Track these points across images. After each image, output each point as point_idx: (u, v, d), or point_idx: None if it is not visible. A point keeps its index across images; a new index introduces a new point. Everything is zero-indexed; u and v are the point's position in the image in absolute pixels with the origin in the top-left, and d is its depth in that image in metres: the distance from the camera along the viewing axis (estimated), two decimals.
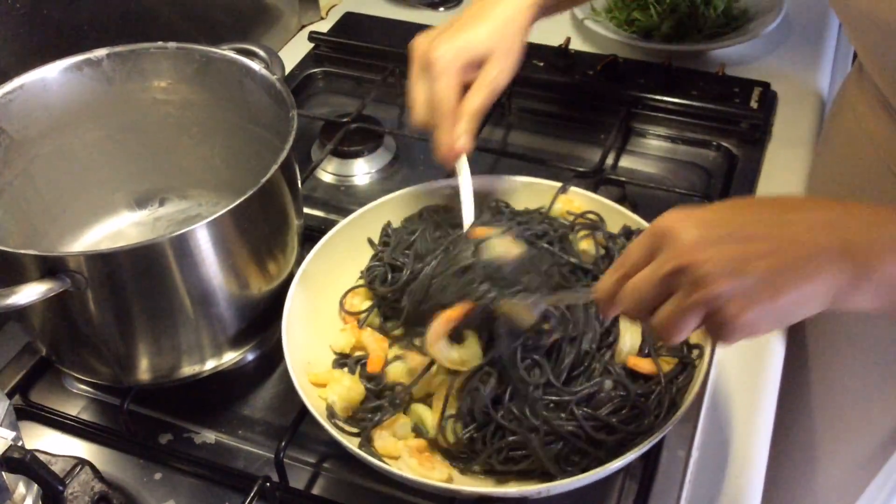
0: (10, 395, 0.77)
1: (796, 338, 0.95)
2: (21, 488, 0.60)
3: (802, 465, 1.03)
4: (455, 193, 0.79)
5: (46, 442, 0.75)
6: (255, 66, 0.75)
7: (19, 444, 0.53)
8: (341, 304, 0.76)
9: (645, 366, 0.66)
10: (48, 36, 0.83)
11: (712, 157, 1.01)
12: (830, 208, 0.52)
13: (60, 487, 0.55)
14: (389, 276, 0.74)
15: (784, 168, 0.98)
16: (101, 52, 0.77)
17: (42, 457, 0.68)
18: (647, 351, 0.67)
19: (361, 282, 0.77)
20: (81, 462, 0.69)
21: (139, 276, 0.63)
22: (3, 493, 0.55)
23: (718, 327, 0.50)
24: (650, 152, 1.03)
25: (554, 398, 0.63)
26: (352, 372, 0.71)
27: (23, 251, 0.59)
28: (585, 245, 0.75)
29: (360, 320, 0.75)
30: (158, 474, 0.72)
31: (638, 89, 1.05)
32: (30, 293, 0.59)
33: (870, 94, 0.80)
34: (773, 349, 0.81)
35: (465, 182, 0.75)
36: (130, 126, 0.81)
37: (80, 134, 0.79)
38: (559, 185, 0.80)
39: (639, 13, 1.15)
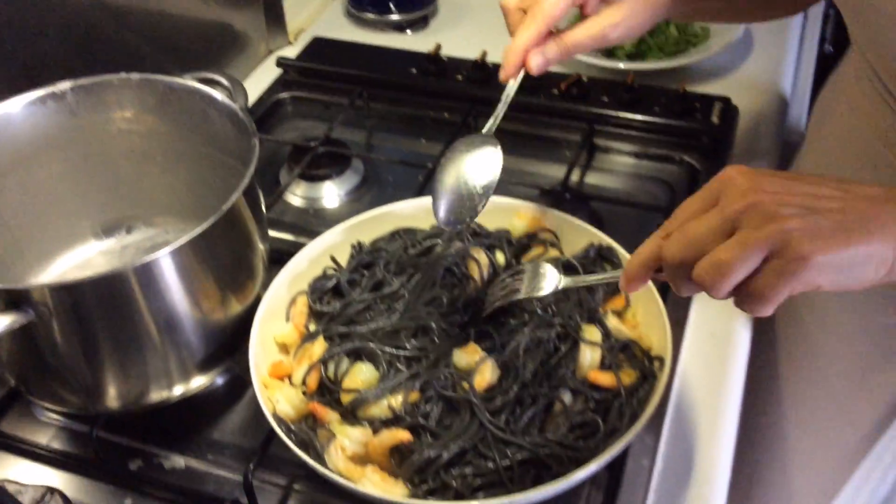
0: None
1: (764, 337, 0.96)
2: None
3: (778, 468, 1.04)
4: (423, 213, 0.81)
5: (17, 471, 0.75)
6: (218, 95, 0.76)
7: None
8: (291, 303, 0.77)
9: (605, 379, 0.67)
10: (12, 70, 0.84)
11: (675, 172, 1.02)
12: (881, 186, 0.51)
13: None
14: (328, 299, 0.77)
15: None
16: (64, 85, 0.78)
17: (12, 486, 0.69)
18: (607, 364, 0.68)
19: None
20: (51, 490, 0.69)
21: (104, 306, 0.64)
22: None
23: (781, 269, 0.47)
24: (615, 168, 1.04)
25: (503, 436, 0.64)
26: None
27: None
28: None
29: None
30: (129, 500, 0.73)
31: (601, 107, 1.07)
32: None
33: (865, 81, 0.78)
34: (736, 358, 0.82)
35: (506, 98, 0.73)
36: (96, 156, 0.82)
37: (46, 166, 0.80)
38: (522, 203, 0.82)
39: None
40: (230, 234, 0.69)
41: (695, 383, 0.79)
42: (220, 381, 0.81)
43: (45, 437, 0.78)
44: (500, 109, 0.74)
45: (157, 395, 0.73)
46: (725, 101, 1.07)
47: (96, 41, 0.94)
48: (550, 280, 0.67)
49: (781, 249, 0.47)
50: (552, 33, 0.73)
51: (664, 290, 0.82)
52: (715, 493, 0.71)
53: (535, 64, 0.70)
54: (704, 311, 0.85)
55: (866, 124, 0.78)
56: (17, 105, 0.76)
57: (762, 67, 1.18)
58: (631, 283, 0.56)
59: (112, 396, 0.71)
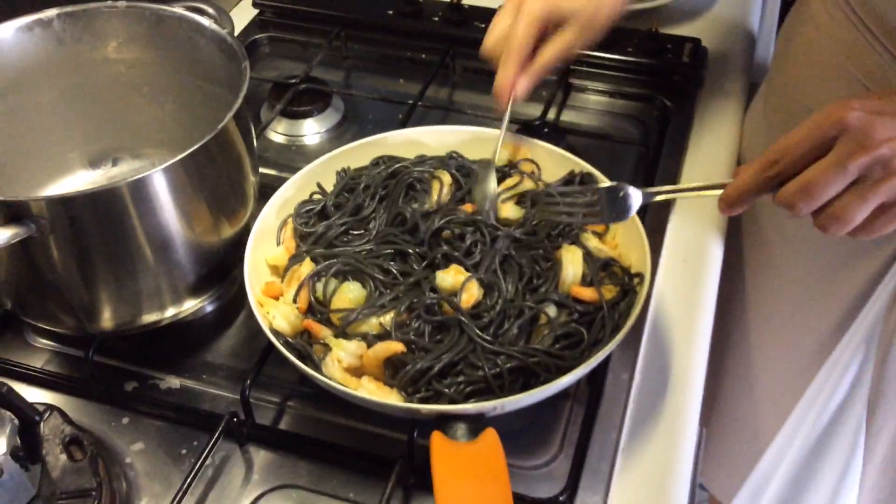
0: None
1: (734, 259, 1.01)
2: None
3: (742, 376, 1.09)
4: (407, 143, 0.84)
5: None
6: (206, 21, 0.77)
7: None
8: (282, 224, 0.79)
9: (587, 294, 0.71)
10: None
11: (647, 109, 1.06)
12: None
13: (36, 417, 0.58)
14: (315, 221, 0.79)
15: (715, 115, 1.04)
16: (51, 13, 0.78)
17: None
18: (589, 280, 0.72)
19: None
20: (50, 408, 0.71)
21: (99, 221, 0.65)
22: None
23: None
24: (589, 106, 1.07)
25: (491, 347, 0.67)
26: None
27: None
28: (507, 210, 0.78)
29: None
30: (126, 419, 0.75)
31: None
32: None
33: (831, 4, 0.82)
34: (708, 280, 0.86)
35: (505, 122, 0.81)
36: (83, 86, 0.83)
37: (34, 94, 0.81)
38: (508, 133, 0.84)
39: None
40: (221, 157, 0.71)
41: (670, 304, 0.83)
42: (210, 307, 0.83)
43: (39, 362, 0.79)
44: (501, 136, 0.81)
45: (149, 316, 0.75)
46: (695, 42, 1.10)
47: None
48: (634, 200, 0.70)
49: None
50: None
51: (642, 214, 0.86)
52: (690, 402, 0.75)
53: (521, 94, 0.80)
54: (678, 238, 0.89)
55: (831, 40, 0.81)
56: (4, 31, 0.76)
57: (730, 8, 1.21)
58: (732, 208, 0.63)
59: (106, 316, 0.73)
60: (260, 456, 0.72)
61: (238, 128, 0.72)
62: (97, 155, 0.88)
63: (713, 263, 0.88)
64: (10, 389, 0.56)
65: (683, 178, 0.96)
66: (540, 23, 0.77)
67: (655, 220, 0.91)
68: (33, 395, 0.76)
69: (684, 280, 0.85)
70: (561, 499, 0.67)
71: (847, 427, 0.97)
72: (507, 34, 0.78)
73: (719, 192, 0.65)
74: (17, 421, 0.60)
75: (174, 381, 0.77)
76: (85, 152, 0.87)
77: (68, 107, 0.83)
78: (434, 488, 0.55)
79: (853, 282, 0.90)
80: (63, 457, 0.68)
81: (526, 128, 0.97)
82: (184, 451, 0.72)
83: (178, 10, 0.78)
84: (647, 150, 0.95)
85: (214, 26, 0.76)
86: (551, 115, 1.03)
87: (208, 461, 0.70)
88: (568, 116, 1.06)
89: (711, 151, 0.99)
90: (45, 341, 0.81)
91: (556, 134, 0.97)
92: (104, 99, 0.84)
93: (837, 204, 0.58)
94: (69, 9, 0.79)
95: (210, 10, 0.80)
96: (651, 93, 1.06)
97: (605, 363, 0.76)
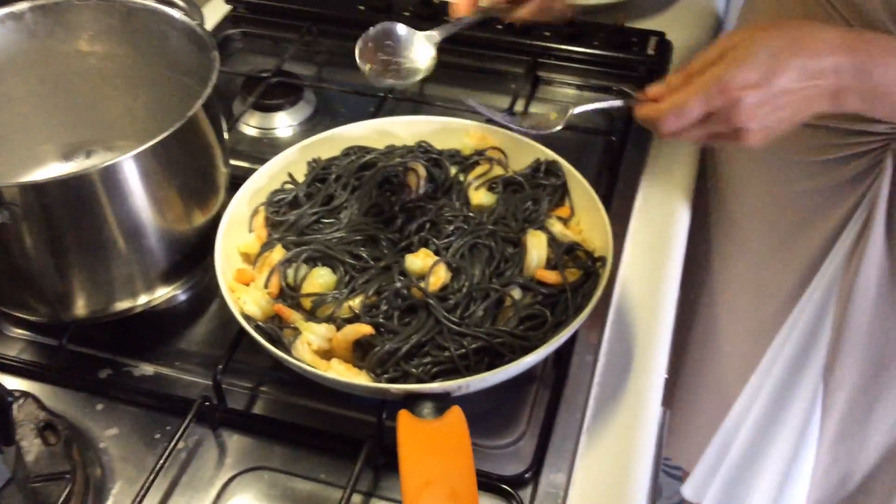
0: None
1: (699, 233, 1.04)
2: None
3: (708, 343, 1.12)
4: (376, 133, 0.85)
5: None
6: (176, 13, 0.78)
7: None
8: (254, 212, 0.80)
9: (551, 277, 0.73)
10: None
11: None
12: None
13: (9, 398, 0.59)
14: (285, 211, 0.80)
15: None
16: (23, 6, 0.79)
17: None
18: (553, 264, 0.74)
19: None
20: (25, 395, 0.72)
21: (71, 208, 0.66)
22: None
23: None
24: (557, 99, 1.10)
25: (457, 328, 0.69)
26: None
27: None
28: (479, 197, 0.80)
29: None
30: (100, 405, 0.76)
31: (544, 41, 1.11)
32: None
33: None
34: (671, 267, 0.88)
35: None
36: (55, 79, 0.84)
37: (6, 87, 0.81)
38: (472, 122, 0.86)
39: None
40: (191, 146, 0.72)
41: (634, 288, 0.85)
42: (182, 296, 0.84)
43: (14, 351, 0.80)
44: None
45: (122, 304, 0.76)
46: (660, 35, 1.12)
47: None
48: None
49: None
50: None
51: (608, 200, 0.89)
52: (652, 384, 0.77)
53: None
54: (643, 225, 0.91)
55: (789, 10, 0.85)
56: None
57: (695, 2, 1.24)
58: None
59: (80, 304, 0.74)
60: (233, 440, 0.73)
61: (208, 117, 0.73)
62: (71, 148, 0.89)
63: (676, 249, 0.90)
64: None
65: (648, 167, 0.98)
66: None
67: (621, 206, 0.93)
68: (8, 383, 0.77)
69: (648, 265, 0.88)
70: (526, 476, 0.69)
71: (805, 386, 1.00)
72: None
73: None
74: None
75: (147, 368, 0.79)
76: (58, 145, 0.88)
77: (41, 100, 0.84)
78: (399, 462, 0.57)
79: (810, 243, 0.93)
80: (38, 442, 0.69)
81: (492, 121, 0.98)
82: (157, 436, 0.73)
83: (148, 2, 0.80)
84: (612, 140, 0.98)
85: (184, 18, 0.78)
86: (519, 106, 1.05)
87: (181, 445, 0.72)
88: (536, 108, 1.08)
89: (672, 149, 1.01)
90: (19, 331, 0.82)
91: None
92: (77, 92, 0.85)
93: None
94: (41, 2, 0.80)
95: (180, 3, 0.82)
96: (617, 85, 1.09)
97: (569, 346, 0.78)
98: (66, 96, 0.84)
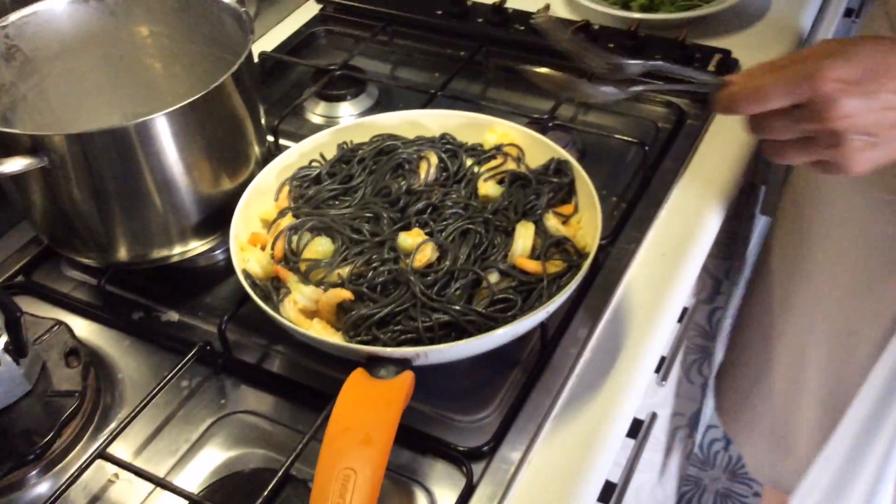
0: (15, 276, 0.91)
1: (762, 265, 1.02)
2: None
3: (789, 381, 1.10)
4: (406, 124, 0.91)
5: (41, 311, 0.87)
6: (230, 1, 0.87)
7: None
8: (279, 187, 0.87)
9: (531, 265, 0.75)
10: None
11: (663, 113, 1.08)
12: None
13: (18, 313, 0.68)
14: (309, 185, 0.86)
15: (730, 128, 1.06)
16: None
17: (29, 318, 0.82)
18: (537, 255, 0.76)
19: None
20: (59, 323, 0.82)
21: (109, 157, 0.75)
22: None
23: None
24: (608, 108, 1.11)
25: (430, 303, 0.72)
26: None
27: (9, 130, 0.73)
28: (487, 189, 0.84)
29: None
30: (127, 342, 0.85)
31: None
32: (14, 165, 0.72)
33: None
34: (684, 272, 0.89)
35: None
36: (127, 55, 0.94)
37: (85, 59, 0.92)
38: (497, 119, 0.90)
39: None
40: (219, 112, 0.80)
41: (637, 293, 0.86)
42: (219, 254, 0.92)
43: (66, 288, 0.91)
44: None
45: (158, 252, 0.84)
46: (725, 53, 1.12)
47: None
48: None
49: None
50: None
51: (632, 206, 0.90)
52: (629, 388, 0.78)
53: None
54: (662, 232, 0.92)
55: None
56: (62, 2, 0.89)
57: (775, 26, 1.22)
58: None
59: (121, 249, 0.83)
60: (230, 385, 0.80)
61: (239, 91, 0.81)
62: (136, 117, 0.99)
63: (691, 263, 0.90)
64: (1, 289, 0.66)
65: (683, 180, 0.98)
66: None
67: (646, 212, 0.94)
68: (52, 313, 0.87)
69: (658, 273, 0.88)
70: (483, 449, 0.72)
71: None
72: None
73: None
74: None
75: (173, 315, 0.87)
76: (128, 115, 0.98)
77: (113, 72, 0.95)
78: (333, 409, 0.62)
79: None
80: (61, 363, 0.79)
81: (534, 122, 1.02)
82: (167, 374, 0.81)
83: None
84: (647, 149, 0.98)
85: (233, 2, 0.86)
86: (568, 112, 1.08)
87: (184, 383, 0.80)
88: (587, 116, 1.10)
89: (713, 164, 1.01)
90: (74, 272, 0.92)
91: (562, 129, 1.02)
92: (146, 67, 0.96)
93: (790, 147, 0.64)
94: None
95: None
96: (669, 98, 1.09)
97: (557, 336, 0.80)
98: (128, 71, 0.95)
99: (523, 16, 1.22)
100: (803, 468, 1.10)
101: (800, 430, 1.16)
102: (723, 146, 1.03)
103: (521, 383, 0.77)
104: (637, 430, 0.88)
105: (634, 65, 0.76)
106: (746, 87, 0.64)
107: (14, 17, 0.86)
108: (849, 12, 1.48)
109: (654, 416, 0.93)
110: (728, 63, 1.12)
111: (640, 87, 0.76)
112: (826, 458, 1.05)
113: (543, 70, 0.79)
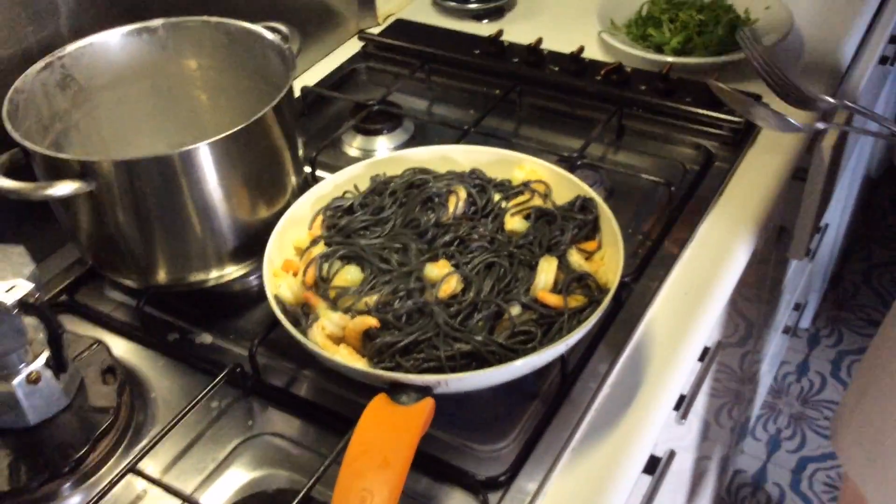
0: (59, 294, 0.95)
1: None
2: (38, 335, 0.77)
3: None
4: (437, 158, 0.94)
5: (83, 330, 0.91)
6: (269, 35, 0.91)
7: (36, 295, 0.70)
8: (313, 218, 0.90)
9: (552, 300, 0.77)
10: (119, 9, 1.01)
11: (692, 155, 1.10)
12: None
13: (60, 330, 0.72)
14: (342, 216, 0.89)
15: (758, 171, 1.07)
16: (157, 22, 0.95)
17: (70, 336, 0.86)
18: (559, 289, 0.78)
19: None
20: (98, 342, 0.86)
21: (153, 183, 0.79)
22: (20, 335, 0.72)
23: None
24: (638, 149, 1.13)
25: (453, 333, 0.75)
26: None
27: (60, 155, 0.77)
28: (513, 223, 0.86)
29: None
30: (162, 362, 0.88)
31: (634, 93, 1.16)
32: (63, 189, 0.76)
33: None
34: (707, 312, 0.90)
35: None
36: (174, 86, 0.99)
37: (135, 89, 0.97)
38: (525, 156, 0.92)
39: (653, 30, 1.26)
40: (259, 143, 0.83)
41: (658, 330, 0.87)
42: (253, 279, 0.95)
43: (107, 308, 0.95)
44: None
45: (196, 276, 0.88)
46: (756, 97, 1.13)
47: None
48: None
49: None
50: None
51: (658, 244, 0.91)
52: (646, 426, 0.79)
53: None
54: (687, 271, 0.93)
55: None
56: (118, 34, 0.94)
57: (809, 71, 1.23)
58: None
59: (161, 272, 0.87)
60: (259, 407, 0.83)
61: (279, 124, 0.85)
62: (180, 146, 1.03)
63: (713, 302, 0.91)
64: (45, 304, 0.70)
65: (704, 224, 1.00)
66: None
67: (670, 250, 0.95)
68: (93, 332, 0.91)
69: (680, 311, 0.89)
70: (500, 479, 0.73)
71: None
72: None
73: None
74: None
75: (207, 337, 0.90)
76: (174, 144, 1.02)
77: (161, 102, 0.99)
78: (353, 432, 0.64)
79: None
80: (99, 380, 0.82)
81: (564, 160, 1.04)
82: (198, 395, 0.84)
83: (254, 26, 0.93)
84: (671, 190, 1.00)
85: (276, 39, 0.90)
86: (598, 151, 1.10)
87: (214, 404, 0.83)
88: (618, 156, 1.12)
89: (739, 206, 1.02)
90: (115, 293, 0.96)
91: (589, 168, 1.04)
92: (193, 98, 1.00)
93: None
94: (172, 20, 0.95)
95: (283, 29, 0.94)
96: (699, 140, 1.11)
97: (578, 370, 0.82)
98: (175, 101, 0.99)
99: (557, 57, 1.25)
100: None
101: None
102: (750, 189, 1.05)
103: (540, 415, 0.79)
104: (654, 466, 0.89)
105: (825, 102, 0.76)
106: None
107: (71, 47, 0.91)
108: (884, 60, 1.49)
109: (671, 454, 0.93)
110: None
111: (823, 125, 0.76)
112: None
113: (726, 87, 0.81)
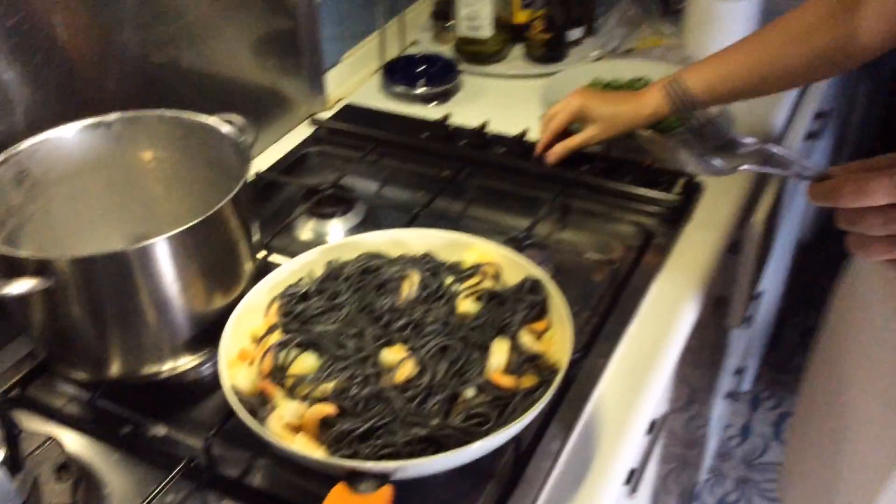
0: (10, 389, 0.94)
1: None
2: None
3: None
4: (390, 243, 0.96)
5: (35, 426, 0.91)
6: (225, 129, 0.93)
7: None
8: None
9: (506, 381, 0.79)
10: (75, 103, 1.03)
11: (632, 233, 1.15)
12: None
13: (17, 431, 0.71)
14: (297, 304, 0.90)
15: (695, 245, 1.12)
16: (112, 116, 0.97)
17: (24, 434, 0.85)
18: (512, 370, 0.81)
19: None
20: (50, 438, 0.85)
21: (109, 279, 0.80)
22: None
23: None
24: (583, 227, 1.17)
25: (410, 418, 0.76)
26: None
27: (17, 254, 0.78)
28: (465, 306, 0.89)
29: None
30: (115, 456, 0.88)
31: (576, 173, 1.21)
32: (20, 286, 0.77)
33: None
34: (650, 388, 0.93)
35: None
36: (129, 178, 1.00)
37: (90, 182, 0.98)
38: (473, 238, 0.96)
39: None
40: (217, 235, 0.85)
41: (607, 406, 0.90)
42: (207, 368, 0.96)
43: (59, 402, 0.94)
44: None
45: (150, 368, 0.88)
46: (689, 178, 1.19)
47: (153, 92, 1.13)
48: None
49: None
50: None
51: (602, 321, 0.95)
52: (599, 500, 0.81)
53: (551, 159, 1.25)
54: (632, 349, 0.97)
55: None
56: (74, 129, 0.95)
57: None
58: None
59: (114, 365, 0.87)
60: (213, 499, 0.83)
61: (236, 215, 0.87)
62: (134, 238, 1.04)
63: (658, 376, 0.95)
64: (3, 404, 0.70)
65: (647, 299, 1.04)
66: (573, 116, 1.21)
67: (614, 328, 0.99)
68: (45, 427, 0.90)
69: (627, 386, 0.92)
70: None
71: None
72: (551, 117, 1.23)
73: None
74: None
75: (161, 429, 0.90)
76: (128, 235, 1.03)
77: (116, 194, 1.01)
78: None
79: None
80: (52, 477, 0.81)
81: (511, 240, 1.08)
82: (153, 489, 0.84)
83: (208, 120, 0.96)
84: (616, 266, 1.04)
85: (232, 132, 0.93)
86: (543, 230, 1.14)
87: (169, 498, 0.82)
88: (557, 233, 1.16)
89: (680, 280, 1.07)
90: (66, 387, 0.96)
91: (537, 247, 1.08)
92: (148, 190, 1.02)
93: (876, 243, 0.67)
94: (127, 114, 0.97)
95: (238, 121, 0.97)
96: (638, 218, 1.16)
97: (531, 449, 0.84)
98: (136, 194, 1.01)
99: (502, 139, 1.30)
100: None
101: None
102: (689, 263, 1.09)
103: (496, 496, 0.80)
104: None
105: (748, 143, 0.79)
106: (848, 181, 0.67)
107: (26, 143, 0.93)
108: (811, 135, 1.57)
109: None
110: (692, 187, 1.19)
111: (745, 166, 0.79)
112: None
113: (649, 133, 0.87)
